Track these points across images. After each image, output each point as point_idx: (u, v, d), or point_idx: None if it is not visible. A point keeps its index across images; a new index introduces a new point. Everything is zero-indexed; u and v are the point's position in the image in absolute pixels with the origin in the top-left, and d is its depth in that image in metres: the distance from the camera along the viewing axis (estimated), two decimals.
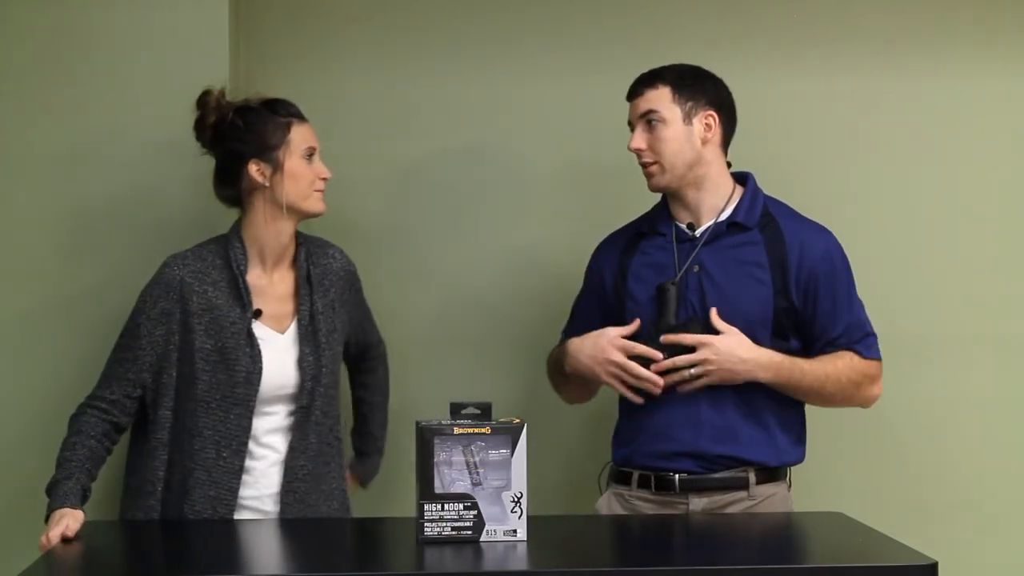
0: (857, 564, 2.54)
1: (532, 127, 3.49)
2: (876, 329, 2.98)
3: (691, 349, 2.86)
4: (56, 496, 2.70)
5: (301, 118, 2.93)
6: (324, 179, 2.93)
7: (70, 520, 2.64)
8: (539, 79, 3.48)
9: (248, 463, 2.86)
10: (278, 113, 2.91)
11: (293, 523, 2.84)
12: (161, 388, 2.85)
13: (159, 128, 3.18)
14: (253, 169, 2.89)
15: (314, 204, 2.92)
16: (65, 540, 2.61)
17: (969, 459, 3.54)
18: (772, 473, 2.94)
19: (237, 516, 2.85)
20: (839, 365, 2.92)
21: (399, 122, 3.46)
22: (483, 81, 3.48)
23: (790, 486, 3.00)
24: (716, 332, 2.87)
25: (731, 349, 2.85)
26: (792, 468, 3.00)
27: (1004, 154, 3.56)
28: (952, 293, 3.54)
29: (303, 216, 2.94)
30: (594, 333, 2.95)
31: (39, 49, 3.18)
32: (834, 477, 3.42)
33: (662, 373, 2.87)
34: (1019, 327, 3.55)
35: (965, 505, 3.53)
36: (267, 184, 2.89)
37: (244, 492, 2.86)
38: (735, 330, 2.86)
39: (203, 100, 2.94)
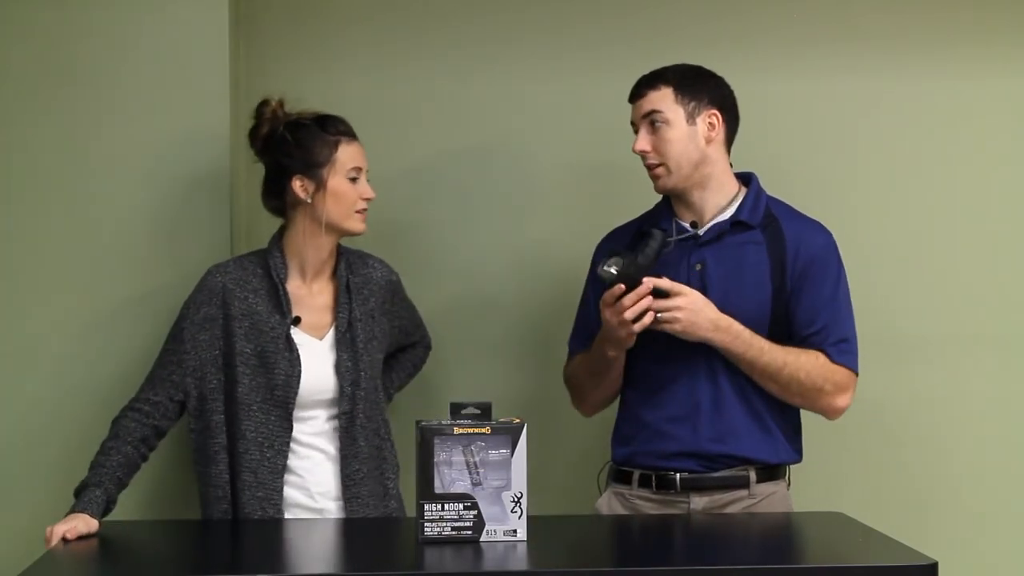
0: (857, 564, 2.54)
1: (533, 127, 3.49)
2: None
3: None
4: (80, 500, 2.73)
5: (351, 137, 2.94)
6: (367, 199, 2.94)
7: (79, 523, 2.66)
8: (540, 79, 3.48)
9: (294, 463, 2.88)
10: (327, 131, 2.91)
11: (293, 523, 2.84)
12: (209, 393, 2.88)
13: (159, 127, 3.18)
14: (297, 185, 2.91)
15: (354, 224, 2.93)
16: (65, 541, 2.62)
17: (969, 459, 3.54)
18: (772, 472, 2.95)
19: (287, 517, 2.87)
20: (803, 359, 2.89)
21: (400, 122, 3.46)
22: (484, 81, 3.48)
23: (789, 485, 3.00)
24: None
25: (703, 306, 2.84)
26: (791, 468, 3.00)
27: (1004, 154, 3.56)
28: (952, 293, 3.54)
29: (343, 234, 2.95)
30: None
31: (37, 49, 3.18)
32: (834, 477, 3.42)
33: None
34: (1019, 327, 3.55)
35: (965, 505, 3.53)
36: (309, 201, 2.90)
37: (292, 493, 2.88)
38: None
39: (260, 110, 2.95)
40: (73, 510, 2.71)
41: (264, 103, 2.95)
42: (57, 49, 3.18)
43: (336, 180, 2.91)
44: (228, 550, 2.77)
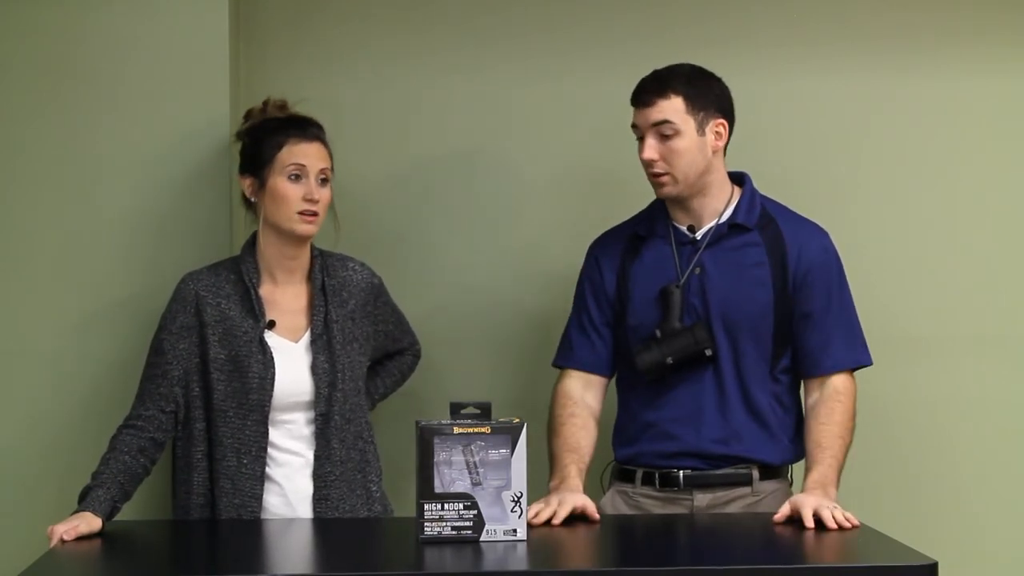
0: (857, 564, 2.54)
1: (532, 128, 3.49)
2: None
3: (700, 343, 2.88)
4: (84, 501, 2.72)
5: (306, 138, 2.90)
6: (311, 200, 2.86)
7: (81, 523, 2.66)
8: (539, 80, 3.48)
9: (271, 470, 2.87)
10: (281, 130, 2.89)
11: (294, 523, 2.84)
12: (192, 401, 2.87)
13: (159, 127, 3.18)
14: (245, 183, 2.92)
15: (296, 226, 2.87)
16: (63, 542, 2.61)
17: (969, 459, 3.54)
18: (775, 471, 2.96)
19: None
20: (839, 420, 2.89)
21: (399, 123, 3.46)
22: (483, 81, 3.48)
23: (792, 483, 3.00)
24: (714, 334, 2.89)
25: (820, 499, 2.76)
26: (793, 466, 3.01)
27: (1005, 154, 3.56)
28: (952, 293, 3.54)
29: (292, 237, 2.90)
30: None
31: (37, 49, 3.18)
32: None
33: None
34: (1019, 327, 3.55)
35: (965, 505, 3.53)
36: (254, 200, 2.91)
37: (271, 499, 2.87)
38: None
39: (248, 112, 2.97)
40: (76, 511, 2.70)
41: (265, 102, 2.96)
42: (57, 49, 3.18)
43: (275, 179, 2.87)
44: (227, 550, 2.76)
